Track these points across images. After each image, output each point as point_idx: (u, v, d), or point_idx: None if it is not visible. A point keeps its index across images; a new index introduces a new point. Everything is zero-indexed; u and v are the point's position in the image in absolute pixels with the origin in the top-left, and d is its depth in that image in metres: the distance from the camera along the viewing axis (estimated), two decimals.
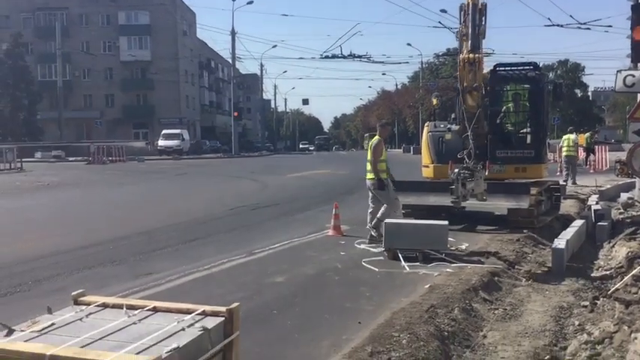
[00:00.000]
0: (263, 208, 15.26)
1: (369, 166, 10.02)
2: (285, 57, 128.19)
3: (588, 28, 25.45)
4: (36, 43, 65.02)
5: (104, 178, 26.46)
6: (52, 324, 2.90)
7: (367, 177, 10.07)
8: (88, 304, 3.20)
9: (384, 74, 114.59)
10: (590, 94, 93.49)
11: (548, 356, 5.22)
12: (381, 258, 8.78)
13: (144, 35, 66.45)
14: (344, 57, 34.00)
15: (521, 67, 12.44)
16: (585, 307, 6.76)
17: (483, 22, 11.05)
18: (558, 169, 25.00)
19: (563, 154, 22.05)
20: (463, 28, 10.44)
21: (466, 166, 9.33)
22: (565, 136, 22.49)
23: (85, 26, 66.43)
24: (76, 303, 3.23)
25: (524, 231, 10.94)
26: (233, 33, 57.41)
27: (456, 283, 7.20)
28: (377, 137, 10.21)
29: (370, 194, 10.18)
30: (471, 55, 9.48)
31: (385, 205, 9.80)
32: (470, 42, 9.77)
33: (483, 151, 12.01)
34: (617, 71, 9.51)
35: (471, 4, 10.35)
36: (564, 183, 19.41)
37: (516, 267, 8.70)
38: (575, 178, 21.27)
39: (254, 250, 9.48)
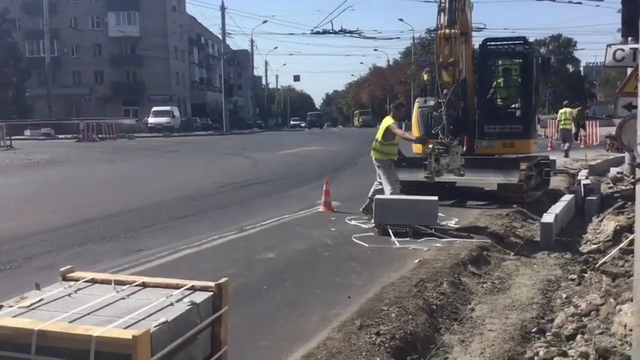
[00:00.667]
0: (254, 185, 15.25)
1: (376, 145, 9.79)
2: (275, 32, 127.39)
3: (579, 3, 25.36)
4: (23, 19, 64.10)
5: (94, 156, 26.31)
6: (41, 300, 2.91)
7: (373, 155, 9.91)
8: (77, 279, 3.21)
9: (375, 50, 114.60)
10: (582, 69, 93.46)
11: (535, 328, 5.29)
12: (371, 234, 8.83)
13: (132, 10, 65.58)
14: (335, 33, 33.78)
15: (511, 42, 12.41)
16: (573, 280, 6.84)
17: None
18: (549, 144, 25.15)
19: (560, 127, 22.59)
20: (442, 2, 10.33)
21: (441, 142, 9.32)
22: (561, 110, 23.02)
23: (72, 2, 65.47)
24: (65, 279, 3.24)
25: (514, 206, 11.01)
26: (223, 8, 56.82)
27: (445, 257, 7.26)
28: (390, 119, 9.82)
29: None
30: (447, 31, 9.44)
31: (389, 186, 9.74)
32: (447, 17, 9.70)
33: (472, 127, 12.04)
34: (607, 45, 9.48)
35: None
36: (565, 157, 20.12)
37: (505, 241, 8.77)
38: (569, 152, 21.58)
39: (245, 226, 9.50)
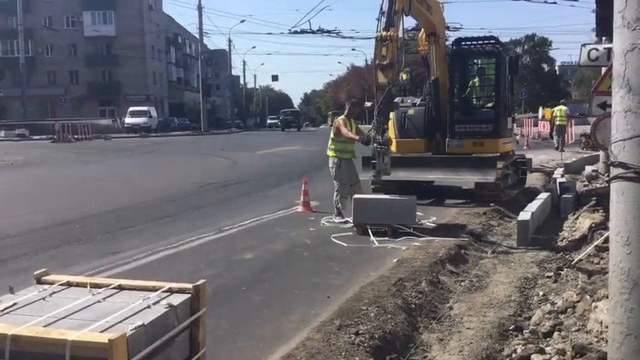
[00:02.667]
0: (232, 185, 15.19)
1: (330, 143, 10.08)
2: (253, 32, 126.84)
3: (555, 2, 25.61)
4: None
5: (70, 157, 25.99)
6: (15, 304, 2.86)
7: (328, 154, 10.15)
8: (52, 283, 3.16)
9: (353, 50, 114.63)
10: (557, 68, 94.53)
11: (512, 326, 5.33)
12: (350, 233, 8.84)
13: (108, 10, 64.87)
14: (313, 32, 33.68)
15: (482, 42, 12.51)
16: (549, 277, 6.90)
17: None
18: (525, 143, 25.54)
19: (556, 123, 24.45)
20: (382, 6, 10.37)
21: (379, 141, 9.43)
22: (557, 107, 25.31)
23: (47, 1, 64.44)
24: (40, 282, 3.18)
25: (491, 204, 11.10)
26: (200, 7, 56.57)
27: (424, 256, 7.29)
28: (342, 117, 10.21)
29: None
30: (384, 33, 9.55)
31: (336, 185, 9.92)
32: (385, 19, 9.82)
33: (444, 126, 12.13)
34: (582, 45, 9.60)
35: None
36: (557, 150, 21.92)
37: (483, 239, 8.84)
38: (563, 147, 23.41)
39: (223, 227, 9.45)
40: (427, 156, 12.19)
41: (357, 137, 9.87)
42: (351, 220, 9.10)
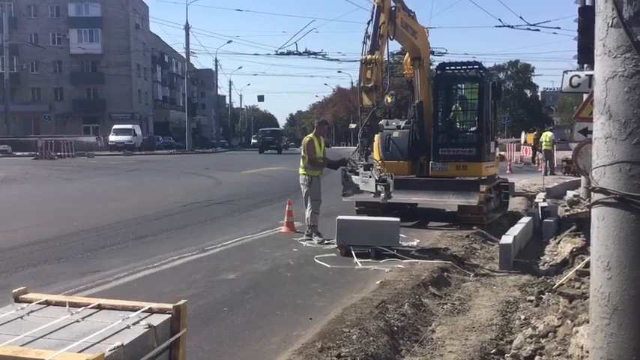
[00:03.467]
0: (216, 204, 15.12)
1: (302, 162, 10.22)
2: (240, 52, 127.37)
3: (537, 30, 25.95)
4: None
5: (52, 174, 25.75)
6: None
7: (299, 172, 10.29)
8: (30, 301, 3.11)
9: (339, 72, 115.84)
10: (539, 94, 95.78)
11: (494, 350, 5.33)
12: (334, 254, 8.82)
13: (95, 28, 64.86)
14: (299, 54, 33.79)
15: (466, 67, 12.66)
16: (531, 301, 6.92)
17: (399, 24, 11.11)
18: (508, 167, 25.80)
19: (543, 148, 25.90)
20: (369, 28, 10.50)
21: (354, 161, 9.59)
22: (544, 134, 26.88)
23: (33, 17, 64.48)
24: (17, 301, 3.13)
25: (474, 227, 11.16)
26: (187, 27, 56.75)
27: (407, 278, 7.29)
28: (310, 135, 10.38)
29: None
30: (369, 56, 9.69)
31: (308, 203, 10.00)
32: (370, 43, 9.98)
33: (428, 149, 12.24)
34: (564, 72, 9.74)
35: (375, 6, 10.44)
36: (546, 175, 22.75)
37: (465, 262, 8.86)
38: (554, 170, 25.00)
39: (206, 246, 9.39)
40: (411, 178, 12.25)
41: (323, 166, 10.01)
42: (333, 240, 9.09)
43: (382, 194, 9.36)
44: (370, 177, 9.27)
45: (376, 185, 9.29)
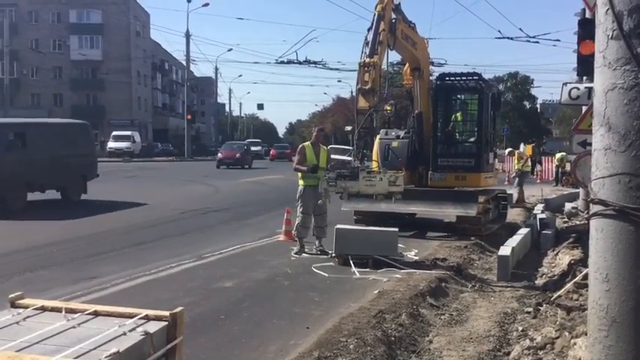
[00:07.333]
0: (214, 212, 15.11)
1: None
2: (240, 61, 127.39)
3: (537, 42, 26.06)
4: None
5: None
6: None
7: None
8: (26, 307, 3.09)
9: (339, 81, 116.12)
10: (538, 106, 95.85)
11: None
12: (332, 264, 8.81)
13: (95, 34, 64.97)
14: (299, 63, 33.88)
15: (466, 77, 12.69)
16: (529, 313, 6.90)
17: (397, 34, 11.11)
18: (506, 179, 25.76)
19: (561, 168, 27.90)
20: (369, 35, 10.56)
21: (348, 164, 9.51)
22: (559, 154, 29.11)
23: (34, 24, 64.53)
24: (13, 306, 3.11)
25: (472, 238, 11.15)
26: (187, 35, 56.79)
27: (405, 288, 7.27)
28: (307, 143, 10.22)
29: None
30: (367, 59, 9.76)
31: (298, 212, 9.78)
32: (369, 47, 10.07)
33: (427, 159, 12.24)
34: (563, 84, 9.78)
35: (376, 14, 10.52)
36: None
37: (463, 273, 8.84)
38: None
39: (203, 254, 9.37)
40: (410, 188, 12.24)
41: (304, 168, 9.71)
42: (310, 251, 9.22)
43: (394, 196, 9.22)
44: (381, 179, 9.14)
45: (388, 185, 9.09)
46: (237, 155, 39.54)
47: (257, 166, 40.40)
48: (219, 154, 40.33)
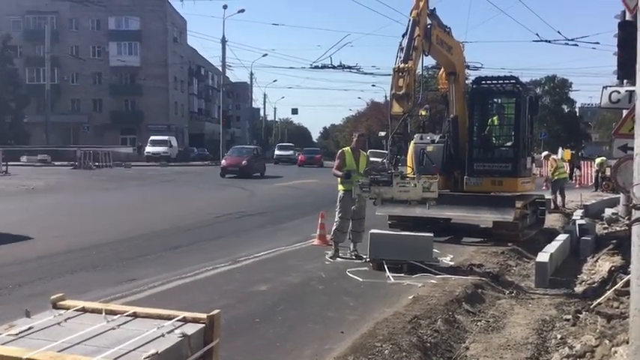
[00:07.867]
0: (249, 216, 15.21)
1: None
2: (275, 66, 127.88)
3: (576, 45, 25.58)
4: (25, 46, 64.41)
5: (90, 183, 26.28)
6: (30, 327, 2.86)
7: None
8: (67, 308, 3.16)
9: (373, 85, 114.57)
10: (577, 110, 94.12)
11: None
12: (366, 268, 8.79)
13: (134, 41, 66.23)
14: (334, 67, 34.02)
15: (502, 81, 12.54)
16: (568, 320, 6.78)
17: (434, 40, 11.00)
18: (544, 184, 25.35)
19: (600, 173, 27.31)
20: (403, 41, 10.51)
21: (383, 169, 9.39)
22: (598, 159, 28.64)
23: (74, 30, 66.12)
24: (55, 307, 3.19)
25: (509, 244, 11.00)
26: (224, 41, 57.33)
27: (440, 294, 7.21)
28: (346, 148, 10.22)
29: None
30: (402, 65, 9.70)
31: (336, 217, 9.78)
32: (404, 53, 9.99)
33: (462, 164, 12.11)
34: (603, 87, 9.58)
35: (411, 19, 10.46)
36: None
37: (500, 279, 8.72)
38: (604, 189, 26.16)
39: (239, 258, 9.44)
40: (445, 193, 12.13)
41: (340, 173, 9.72)
42: (341, 255, 9.33)
43: (428, 202, 9.13)
44: (415, 185, 9.07)
45: (422, 191, 8.98)
46: (243, 162, 31.74)
47: (270, 174, 34.03)
48: (223, 161, 33.95)
